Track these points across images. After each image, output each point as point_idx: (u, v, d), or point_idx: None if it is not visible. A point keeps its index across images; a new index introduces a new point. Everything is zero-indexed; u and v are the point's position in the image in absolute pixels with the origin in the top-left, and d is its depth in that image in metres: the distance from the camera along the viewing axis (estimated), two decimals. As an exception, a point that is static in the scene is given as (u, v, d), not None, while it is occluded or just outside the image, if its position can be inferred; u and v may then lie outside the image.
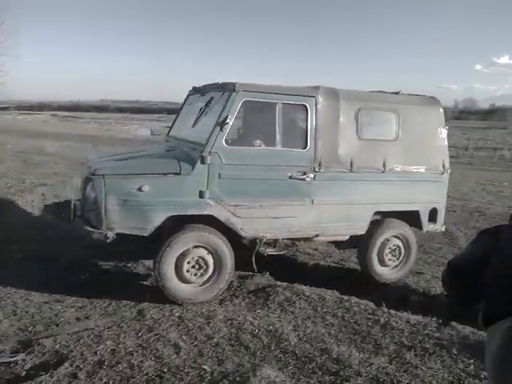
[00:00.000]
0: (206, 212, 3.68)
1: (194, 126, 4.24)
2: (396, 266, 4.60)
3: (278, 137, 3.86)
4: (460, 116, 53.52)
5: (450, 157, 4.80)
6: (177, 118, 4.94)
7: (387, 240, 4.49)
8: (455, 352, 3.01)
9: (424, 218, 4.56)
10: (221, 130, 3.66)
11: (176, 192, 3.61)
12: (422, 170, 4.47)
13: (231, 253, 3.75)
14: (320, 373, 2.74)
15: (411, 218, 4.54)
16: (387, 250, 4.51)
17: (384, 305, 3.74)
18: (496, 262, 1.22)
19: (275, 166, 3.85)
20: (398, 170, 4.32)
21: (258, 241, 3.92)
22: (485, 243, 1.32)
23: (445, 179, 4.62)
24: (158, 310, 3.52)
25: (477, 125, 42.34)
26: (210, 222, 3.72)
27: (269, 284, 4.00)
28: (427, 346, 3.09)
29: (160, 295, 3.64)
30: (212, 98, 4.11)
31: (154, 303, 3.62)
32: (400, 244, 4.56)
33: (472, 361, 2.90)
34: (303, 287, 3.94)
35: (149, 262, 4.22)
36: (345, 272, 4.89)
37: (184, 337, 3.12)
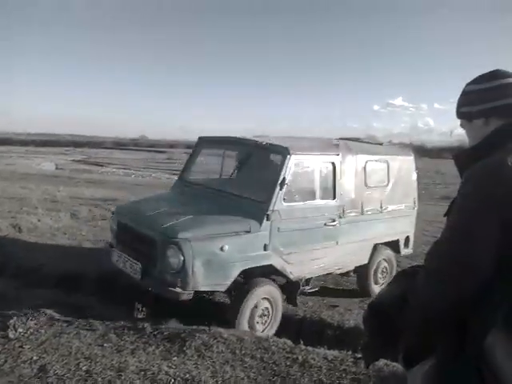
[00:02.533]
0: (268, 262, 4.14)
1: (232, 178, 4.82)
2: (384, 283, 5.39)
3: (317, 191, 4.52)
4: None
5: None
6: (191, 163, 5.33)
7: (379, 263, 5.41)
8: (371, 387, 3.06)
9: (401, 244, 5.62)
10: (280, 189, 4.16)
11: (248, 248, 4.01)
12: (402, 207, 5.52)
13: (282, 298, 4.30)
14: (240, 422, 2.63)
15: (392, 244, 5.52)
16: (379, 271, 5.46)
17: (301, 341, 3.74)
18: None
19: (316, 216, 4.48)
20: (389, 209, 5.29)
21: (299, 281, 4.41)
22: (402, 284, 1.34)
23: (415, 213, 5.73)
24: (63, 364, 3.19)
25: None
26: (264, 270, 4.19)
27: (184, 329, 3.82)
28: (345, 383, 3.11)
29: (65, 348, 3.34)
30: (251, 154, 4.64)
31: (59, 356, 3.30)
32: (387, 265, 5.54)
33: (387, 394, 2.96)
34: (220, 330, 3.81)
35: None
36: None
37: (92, 394, 2.86)
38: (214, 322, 4.00)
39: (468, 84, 1.38)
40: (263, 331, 4.13)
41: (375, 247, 5.26)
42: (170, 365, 3.24)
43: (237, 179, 4.77)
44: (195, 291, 3.84)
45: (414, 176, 5.66)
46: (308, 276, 4.58)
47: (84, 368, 3.16)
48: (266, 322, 4.20)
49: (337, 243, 4.68)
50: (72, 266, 5.74)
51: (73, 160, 33.70)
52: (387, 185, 5.28)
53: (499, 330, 1.05)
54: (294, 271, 4.33)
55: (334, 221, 4.61)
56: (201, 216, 4.15)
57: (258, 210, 4.10)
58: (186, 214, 4.13)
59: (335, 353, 3.58)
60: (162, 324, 3.89)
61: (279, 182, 4.15)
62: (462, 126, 1.43)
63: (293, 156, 4.26)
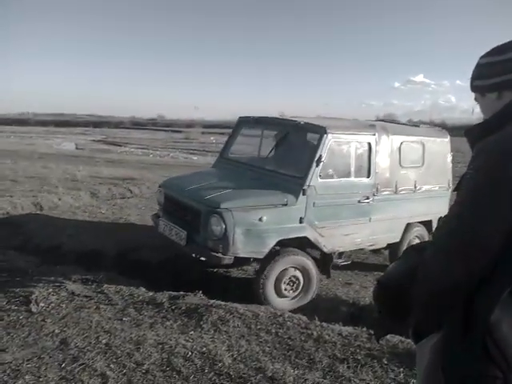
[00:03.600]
0: (302, 234, 4.42)
1: (270, 156, 5.10)
2: None
3: (352, 169, 4.75)
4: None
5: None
6: (231, 142, 5.69)
7: (411, 242, 5.38)
8: (385, 362, 3.08)
9: (434, 224, 5.54)
10: (317, 166, 4.42)
11: (284, 220, 4.30)
12: (436, 188, 5.58)
13: (316, 269, 4.49)
14: (255, 393, 2.70)
15: (425, 224, 5.61)
16: None
17: (316, 318, 3.78)
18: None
19: (349, 193, 4.73)
20: (423, 189, 5.41)
21: (333, 254, 4.69)
22: (411, 259, 1.35)
23: (449, 194, 5.71)
24: (83, 337, 3.30)
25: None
26: (300, 242, 4.46)
27: (202, 303, 3.89)
28: (359, 358, 3.14)
29: (85, 322, 3.44)
30: (289, 133, 4.97)
31: (79, 330, 3.40)
32: (418, 241, 5.48)
33: (401, 369, 2.99)
34: (237, 305, 3.88)
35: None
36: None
37: (112, 365, 2.94)
38: (231, 298, 4.07)
39: (481, 57, 1.34)
40: (293, 299, 4.44)
41: (408, 226, 5.38)
42: (187, 338, 3.31)
43: (274, 157, 5.08)
44: (235, 257, 4.18)
45: (450, 158, 5.73)
46: (341, 250, 4.84)
47: (104, 341, 3.26)
48: (296, 290, 4.46)
49: (370, 220, 4.91)
50: (92, 242, 5.86)
51: (92, 140, 33.98)
52: (422, 165, 5.42)
53: (506, 305, 1.05)
54: (327, 244, 4.60)
55: (367, 198, 4.84)
56: (241, 189, 4.51)
57: (294, 185, 4.40)
58: (227, 188, 4.50)
59: (350, 329, 3.61)
60: (179, 299, 3.97)
61: (316, 159, 4.43)
62: (476, 99, 1.39)
63: (329, 135, 4.53)
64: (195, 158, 23.34)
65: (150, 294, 4.13)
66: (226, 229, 4.03)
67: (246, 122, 5.69)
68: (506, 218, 1.08)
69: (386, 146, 4.99)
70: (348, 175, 4.73)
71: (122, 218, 7.23)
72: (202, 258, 4.35)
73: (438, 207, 5.47)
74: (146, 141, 34.42)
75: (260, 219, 4.13)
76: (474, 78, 1.37)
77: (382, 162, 4.97)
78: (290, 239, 4.35)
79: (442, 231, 1.20)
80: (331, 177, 4.59)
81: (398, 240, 5.27)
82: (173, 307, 3.84)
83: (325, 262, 4.70)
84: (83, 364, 2.94)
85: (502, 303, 1.05)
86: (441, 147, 5.63)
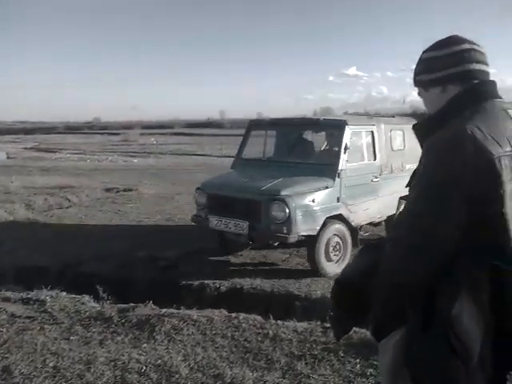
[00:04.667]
0: (339, 212, 5.18)
1: (292, 151, 5.96)
2: None
3: (365, 154, 5.65)
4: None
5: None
6: (244, 144, 6.26)
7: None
8: (342, 354, 3.12)
9: None
10: (344, 153, 5.21)
11: (327, 200, 5.08)
12: (415, 166, 6.09)
13: (350, 236, 5.25)
14: (215, 402, 2.64)
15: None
16: None
17: (271, 316, 3.77)
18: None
19: (366, 174, 5.61)
20: (407, 168, 6.04)
21: (358, 227, 5.49)
22: (368, 257, 1.35)
23: None
24: (28, 362, 3.09)
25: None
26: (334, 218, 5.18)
27: (153, 314, 3.77)
28: (316, 353, 3.16)
29: (29, 345, 3.24)
30: (307, 130, 6.11)
31: (23, 354, 3.19)
32: None
33: (358, 360, 3.03)
34: (190, 312, 3.80)
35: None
36: (231, 290, 4.81)
37: (62, 390, 2.79)
38: (183, 305, 3.99)
39: (424, 51, 1.34)
40: (336, 262, 5.10)
41: (400, 200, 6.06)
42: (140, 352, 3.20)
43: (297, 151, 5.92)
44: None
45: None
46: (362, 223, 5.70)
47: (51, 364, 3.08)
48: (338, 254, 5.15)
49: (377, 196, 5.77)
50: (32, 258, 5.56)
51: (24, 148, 32.23)
52: (404, 148, 6.31)
53: (465, 298, 1.07)
54: (355, 219, 5.37)
55: (376, 178, 5.75)
56: (286, 179, 5.15)
57: (330, 171, 5.17)
58: (273, 179, 5.12)
59: (304, 324, 3.63)
60: (129, 311, 3.83)
61: (343, 147, 5.22)
62: (419, 94, 1.40)
63: (349, 127, 5.35)
64: (135, 160, 22.69)
65: (98, 308, 3.96)
66: (289, 212, 4.69)
67: (257, 124, 6.54)
68: (461, 214, 1.09)
69: (381, 134, 5.87)
70: (363, 159, 5.62)
71: (63, 230, 6.90)
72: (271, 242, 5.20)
73: None
74: (81, 145, 33.08)
75: (313, 201, 4.90)
76: (417, 73, 1.37)
77: (381, 147, 5.85)
78: (331, 216, 5.08)
79: (400, 228, 1.21)
80: (353, 161, 5.39)
81: (394, 212, 6.00)
82: (122, 321, 3.69)
83: (353, 234, 5.38)
84: (30, 392, 2.76)
85: (462, 297, 1.06)
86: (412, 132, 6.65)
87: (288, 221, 4.70)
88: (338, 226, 5.16)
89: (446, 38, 1.30)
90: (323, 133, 6.28)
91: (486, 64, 1.28)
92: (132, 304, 4.00)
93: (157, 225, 7.49)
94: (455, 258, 1.10)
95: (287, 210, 4.68)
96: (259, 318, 3.75)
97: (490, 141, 1.12)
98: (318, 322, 3.64)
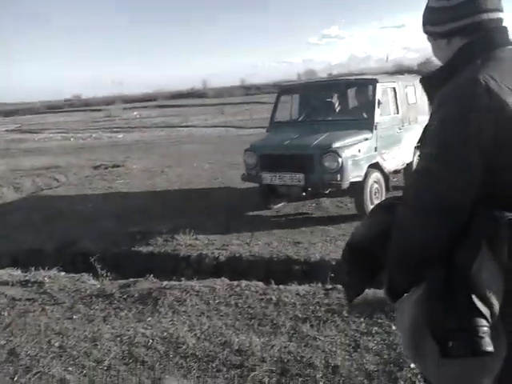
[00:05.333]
0: (376, 160, 5.78)
1: (326, 110, 6.53)
2: None
3: (391, 108, 6.27)
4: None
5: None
6: (276, 109, 6.75)
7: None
8: (346, 314, 3.14)
9: None
10: (378, 107, 5.79)
11: (368, 150, 5.66)
12: (426, 118, 6.96)
13: (384, 182, 5.88)
14: (225, 369, 2.65)
15: None
16: None
17: (272, 282, 3.78)
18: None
19: (393, 126, 6.26)
20: (419, 120, 6.62)
21: (389, 174, 6.06)
22: (380, 218, 1.31)
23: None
24: (34, 344, 3.08)
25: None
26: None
27: (155, 287, 3.76)
28: (320, 315, 3.18)
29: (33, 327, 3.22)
30: (345, 89, 6.67)
31: (28, 336, 3.18)
32: None
33: (362, 319, 3.06)
34: (191, 282, 3.80)
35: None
36: (230, 258, 4.81)
37: (70, 368, 2.78)
38: (184, 275, 3.98)
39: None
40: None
41: (415, 149, 6.58)
42: (145, 326, 3.20)
43: (331, 109, 6.50)
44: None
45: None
46: (391, 170, 6.28)
47: (57, 344, 3.07)
48: (378, 199, 5.58)
49: (401, 145, 6.41)
50: (27, 240, 5.50)
51: (6, 130, 31.54)
52: (416, 102, 6.90)
53: (485, 254, 1.04)
54: (387, 167, 6.00)
55: (400, 129, 6.41)
56: (331, 134, 5.66)
57: (367, 124, 5.77)
58: (318, 135, 5.65)
59: (306, 287, 3.64)
60: (130, 286, 3.82)
61: (376, 102, 5.79)
62: (428, 40, 1.34)
63: (379, 84, 5.94)
64: (120, 136, 22.37)
65: (98, 286, 3.94)
66: (342, 162, 5.26)
67: (287, 89, 7.09)
68: (479, 169, 1.05)
69: (400, 90, 6.47)
70: (389, 112, 6.22)
71: (54, 210, 6.82)
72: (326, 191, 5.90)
73: None
74: (64, 124, 32.42)
75: (358, 151, 5.48)
76: (424, 23, 1.31)
77: (401, 101, 6.49)
78: (370, 165, 5.67)
79: (415, 187, 1.17)
80: (384, 115, 5.99)
81: (411, 160, 6.68)
82: (124, 296, 3.68)
83: (386, 180, 5.97)
84: (38, 372, 2.76)
85: (481, 254, 1.03)
86: (420, 88, 7.37)
87: (341, 169, 5.31)
88: (376, 174, 5.76)
89: None
90: (346, 92, 6.82)
91: (499, 10, 1.21)
92: (132, 279, 3.99)
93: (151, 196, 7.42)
94: (474, 215, 1.07)
95: (340, 160, 5.28)
96: (261, 284, 3.76)
97: (504, 90, 1.07)
98: (319, 285, 3.67)
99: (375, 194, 5.70)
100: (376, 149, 5.78)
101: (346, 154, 5.34)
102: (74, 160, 11.76)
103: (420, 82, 1.30)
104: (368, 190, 5.58)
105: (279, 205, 6.38)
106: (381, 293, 3.31)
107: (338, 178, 5.34)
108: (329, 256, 4.45)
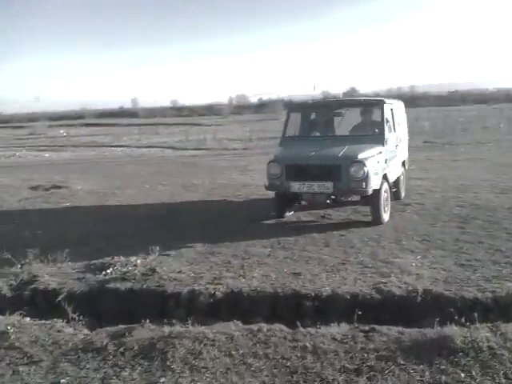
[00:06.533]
0: (387, 172, 6.34)
1: (338, 127, 7.25)
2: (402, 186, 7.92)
3: (392, 126, 6.94)
4: (236, 111, 55.18)
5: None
6: (287, 125, 7.17)
7: (402, 173, 7.78)
8: (402, 362, 2.66)
9: (406, 162, 8.48)
10: (386, 125, 6.51)
11: (382, 162, 6.22)
12: (407, 137, 8.51)
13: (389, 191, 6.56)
14: None
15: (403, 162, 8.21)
16: (401, 179, 7.86)
17: (298, 324, 3.24)
18: None
19: (394, 142, 6.95)
20: (403, 138, 7.93)
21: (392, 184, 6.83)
22: None
23: (407, 141, 8.69)
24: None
25: (252, 118, 43.87)
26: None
27: (157, 336, 3.06)
28: (372, 364, 2.68)
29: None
30: (358, 109, 7.18)
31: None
32: (403, 170, 8.05)
33: (422, 367, 2.60)
34: (201, 328, 3.14)
35: None
36: (228, 294, 4.15)
37: None
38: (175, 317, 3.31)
39: None
40: (385, 213, 6.26)
41: (402, 163, 7.81)
42: (162, 391, 2.52)
43: (344, 126, 7.16)
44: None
45: (405, 116, 8.50)
46: (394, 178, 7.02)
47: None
48: (387, 206, 6.35)
49: (395, 160, 7.10)
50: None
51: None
52: (400, 123, 7.77)
53: None
54: (391, 177, 6.69)
55: (397, 145, 7.25)
56: (351, 147, 6.15)
57: (379, 140, 6.41)
58: (339, 148, 6.12)
59: (338, 329, 3.14)
60: (125, 336, 3.08)
61: (385, 120, 6.52)
62: None
63: (385, 104, 6.70)
64: (47, 154, 20.77)
65: (82, 335, 3.17)
66: (367, 171, 5.78)
67: (297, 107, 7.93)
68: None
69: (390, 112, 7.01)
70: (391, 130, 6.83)
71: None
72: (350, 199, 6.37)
73: (406, 150, 8.37)
74: (-18, 142, 29.64)
75: (378, 162, 6.03)
76: None
77: (396, 121, 7.26)
78: (383, 175, 6.24)
79: None
80: (389, 132, 6.63)
81: (400, 172, 7.56)
82: (121, 349, 2.96)
83: (390, 190, 6.62)
84: None
85: None
86: (402, 110, 8.31)
87: (366, 178, 5.82)
88: (385, 184, 6.33)
89: None
90: (356, 111, 7.31)
91: None
92: (123, 326, 3.26)
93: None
94: None
95: (365, 169, 5.78)
96: (283, 326, 3.21)
97: None
98: (352, 326, 3.18)
99: (385, 202, 6.29)
100: (386, 161, 6.36)
101: (369, 163, 5.84)
102: (6, 180, 10.46)
103: None
104: (382, 198, 6.15)
105: (289, 214, 6.75)
106: (443, 331, 2.89)
107: (364, 186, 5.85)
108: (340, 289, 3.98)
